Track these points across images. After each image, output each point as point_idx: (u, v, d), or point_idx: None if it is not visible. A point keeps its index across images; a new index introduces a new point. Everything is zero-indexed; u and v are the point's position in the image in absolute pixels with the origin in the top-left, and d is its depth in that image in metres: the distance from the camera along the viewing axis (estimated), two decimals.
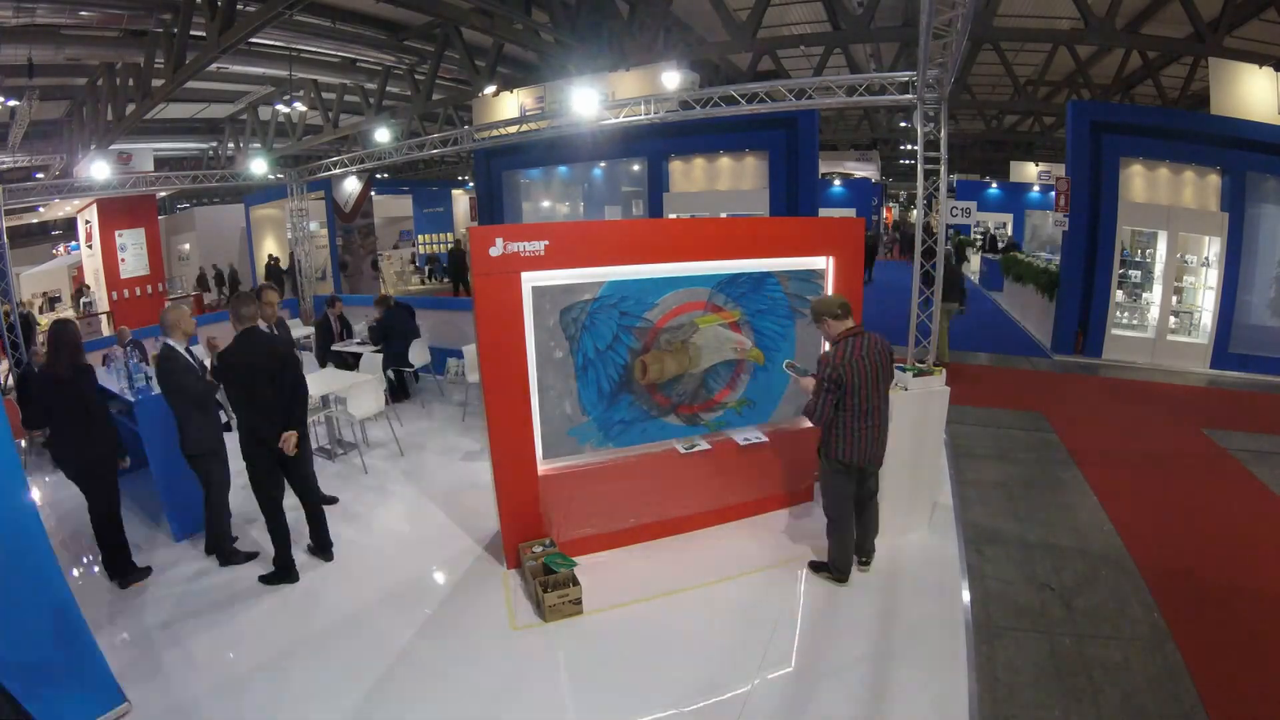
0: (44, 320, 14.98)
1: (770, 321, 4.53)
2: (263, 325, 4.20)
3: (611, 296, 4.06)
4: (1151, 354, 9.17)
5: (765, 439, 4.55)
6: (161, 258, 15.27)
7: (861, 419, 3.56)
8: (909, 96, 6.86)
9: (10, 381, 8.53)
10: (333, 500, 5.05)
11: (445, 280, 20.12)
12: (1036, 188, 20.61)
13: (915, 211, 7.65)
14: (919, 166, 6.95)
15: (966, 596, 3.77)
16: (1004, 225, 21.05)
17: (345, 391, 5.88)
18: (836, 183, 22.20)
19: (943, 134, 6.75)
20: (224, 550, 4.31)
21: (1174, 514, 4.83)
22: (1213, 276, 8.90)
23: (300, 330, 9.67)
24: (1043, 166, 20.53)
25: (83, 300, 14.44)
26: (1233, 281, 8.74)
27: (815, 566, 4.00)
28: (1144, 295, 9.46)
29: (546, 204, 14.66)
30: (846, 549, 3.85)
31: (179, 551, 4.50)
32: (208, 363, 4.52)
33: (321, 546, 4.30)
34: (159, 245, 15.10)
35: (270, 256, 17.51)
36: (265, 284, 4.87)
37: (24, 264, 17.50)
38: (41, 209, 16.61)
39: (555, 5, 8.85)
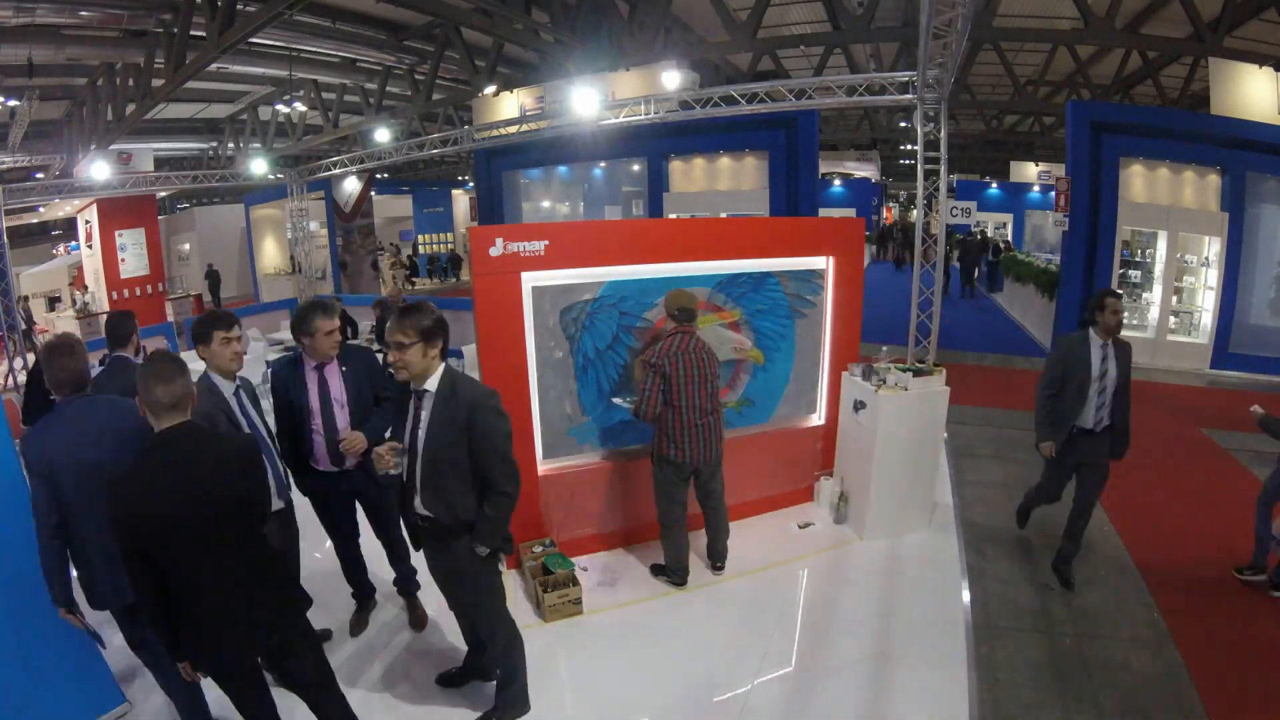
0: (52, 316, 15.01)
1: (770, 321, 4.53)
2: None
3: (611, 296, 4.06)
4: (1151, 354, 9.16)
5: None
6: (161, 258, 15.26)
7: (690, 417, 3.61)
8: (909, 96, 6.86)
9: (11, 381, 8.55)
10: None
11: (448, 279, 20.20)
12: (1036, 188, 20.59)
13: (915, 211, 7.65)
14: (919, 166, 6.95)
15: (966, 596, 3.77)
16: (1004, 225, 21.02)
17: None
18: (836, 183, 22.21)
19: (943, 134, 6.75)
20: None
21: (1174, 514, 4.83)
22: (1213, 276, 8.90)
23: None
24: (1043, 166, 20.50)
25: (75, 301, 14.46)
26: (1233, 281, 8.74)
27: (655, 570, 3.99)
28: (1144, 295, 9.45)
29: (546, 204, 14.66)
30: (680, 551, 3.84)
31: None
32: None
33: None
34: (159, 245, 15.09)
35: (209, 265, 17.39)
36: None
37: (24, 264, 17.49)
38: (41, 209, 16.60)
39: (555, 5, 8.85)
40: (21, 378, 8.19)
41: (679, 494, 3.77)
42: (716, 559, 3.99)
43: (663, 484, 3.76)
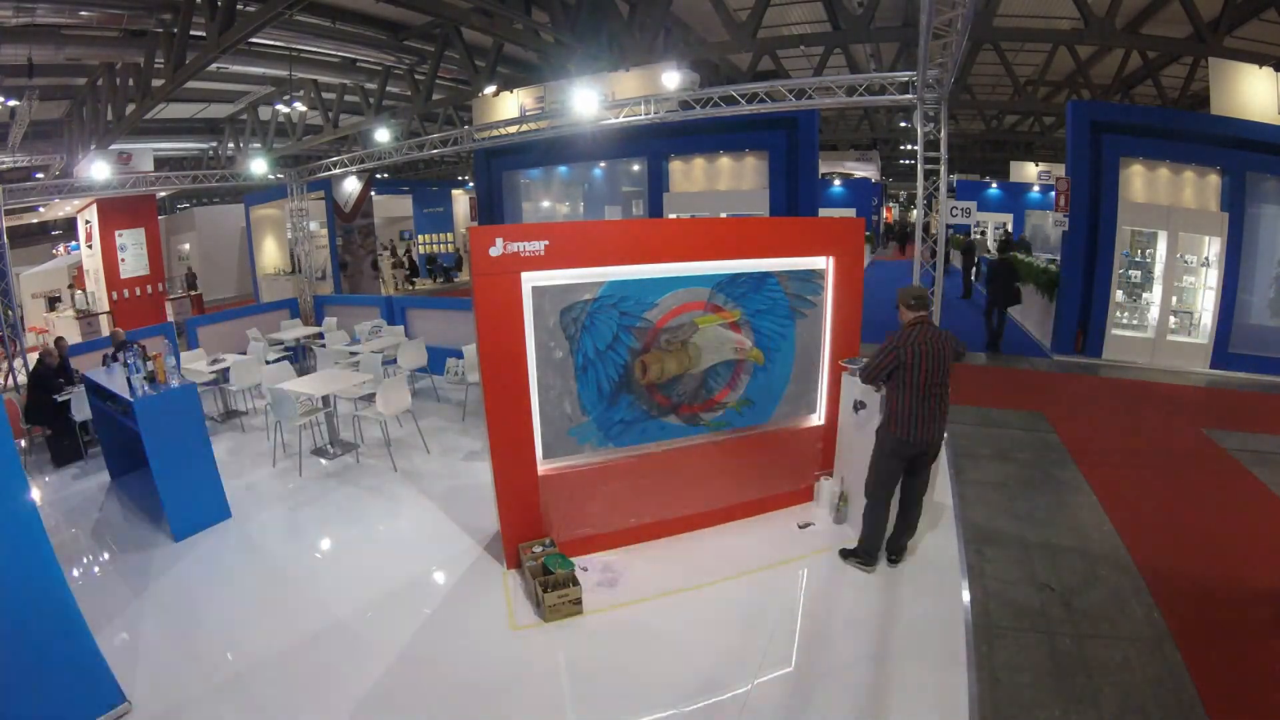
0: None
1: (770, 321, 4.53)
2: None
3: (611, 296, 4.06)
4: (1151, 354, 9.16)
5: None
6: (161, 258, 15.26)
7: (920, 396, 3.74)
8: (909, 96, 6.86)
9: (11, 381, 8.55)
10: None
11: (449, 280, 20.20)
12: (1036, 188, 20.58)
13: (915, 211, 7.66)
14: (919, 166, 6.95)
15: (966, 596, 3.77)
16: (1004, 225, 21.02)
17: (367, 389, 6.05)
18: (836, 183, 22.21)
19: (943, 134, 6.75)
20: None
21: (1174, 514, 4.83)
22: (1213, 276, 8.90)
23: (299, 330, 9.68)
24: (1043, 166, 20.50)
25: (72, 301, 14.49)
26: (1233, 281, 8.73)
27: (845, 554, 4.10)
28: (1144, 295, 9.45)
29: (546, 204, 14.67)
30: (879, 533, 3.97)
31: (179, 552, 4.50)
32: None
33: None
34: (159, 245, 15.09)
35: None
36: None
37: (24, 264, 17.47)
38: (41, 209, 16.58)
39: (555, 5, 8.84)
40: (22, 378, 8.18)
41: (895, 471, 3.90)
42: (896, 554, 4.06)
43: (880, 459, 3.90)
